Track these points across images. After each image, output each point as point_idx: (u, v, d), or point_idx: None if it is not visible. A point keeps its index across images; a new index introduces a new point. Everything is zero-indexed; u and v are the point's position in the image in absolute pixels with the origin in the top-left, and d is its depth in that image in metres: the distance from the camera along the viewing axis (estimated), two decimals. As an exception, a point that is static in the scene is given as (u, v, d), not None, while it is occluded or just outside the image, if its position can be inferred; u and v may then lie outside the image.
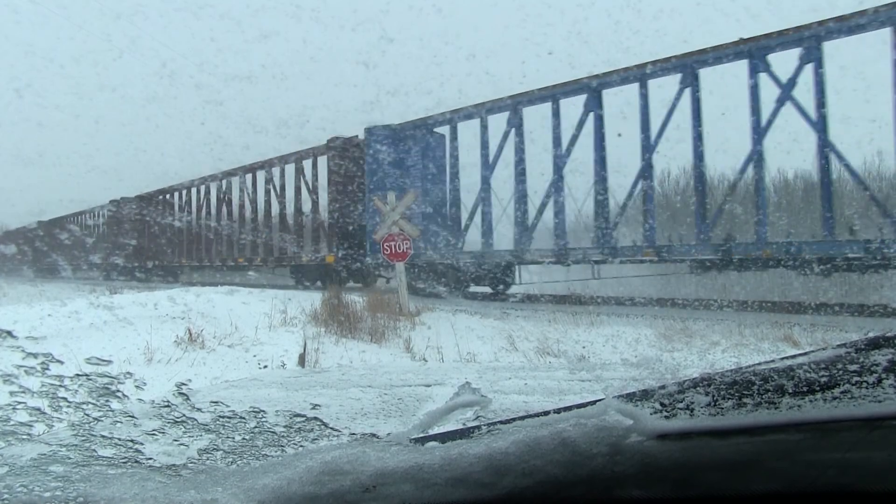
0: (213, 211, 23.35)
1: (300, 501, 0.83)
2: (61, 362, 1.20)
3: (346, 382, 2.06)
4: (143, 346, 5.45)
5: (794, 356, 0.93)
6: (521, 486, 0.79)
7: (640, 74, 12.06)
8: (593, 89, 12.69)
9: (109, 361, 1.28)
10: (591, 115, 12.72)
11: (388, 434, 1.06)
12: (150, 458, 1.08)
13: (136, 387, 1.32)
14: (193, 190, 24.49)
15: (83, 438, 1.13)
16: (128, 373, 1.31)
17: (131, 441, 1.11)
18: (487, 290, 15.14)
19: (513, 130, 13.99)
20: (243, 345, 6.19)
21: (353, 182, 17.26)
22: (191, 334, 6.05)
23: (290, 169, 19.53)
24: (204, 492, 0.88)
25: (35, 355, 1.19)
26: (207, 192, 23.70)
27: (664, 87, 11.96)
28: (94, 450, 1.10)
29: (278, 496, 0.84)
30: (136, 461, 1.06)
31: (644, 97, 12.03)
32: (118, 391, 1.23)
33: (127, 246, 27.29)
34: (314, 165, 18.60)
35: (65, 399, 1.18)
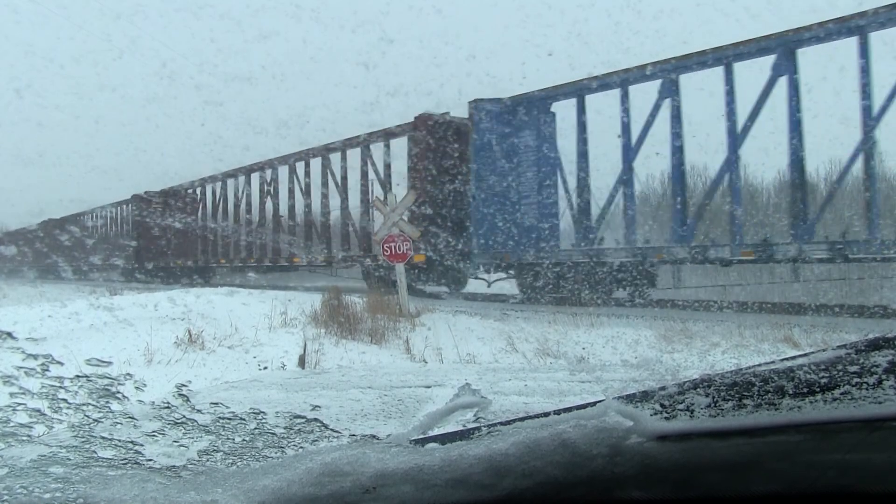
0: (256, 204, 20.70)
1: (300, 503, 0.83)
2: (61, 363, 1.19)
3: (346, 384, 2.06)
4: (143, 348, 5.45)
5: (793, 357, 0.93)
6: (521, 488, 0.79)
7: (858, 26, 9.48)
8: (786, 49, 10.23)
9: (109, 363, 1.28)
10: (783, 79, 10.26)
11: (388, 435, 1.06)
12: (150, 460, 1.08)
13: (136, 388, 1.32)
14: (229, 182, 21.93)
15: (83, 440, 1.13)
16: (128, 374, 1.31)
17: (131, 442, 1.11)
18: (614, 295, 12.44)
19: (666, 101, 11.48)
20: (243, 346, 6.19)
21: (446, 165, 14.44)
22: (191, 335, 6.05)
23: (353, 154, 16.87)
24: (204, 493, 0.88)
25: (35, 357, 1.19)
26: (247, 184, 21.18)
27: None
28: (94, 451, 1.10)
29: (278, 497, 0.84)
30: (136, 462, 1.07)
31: (864, 54, 9.47)
32: (118, 392, 1.23)
33: (150, 244, 25.06)
34: (387, 148, 15.98)
35: (65, 400, 1.18)
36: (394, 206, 10.55)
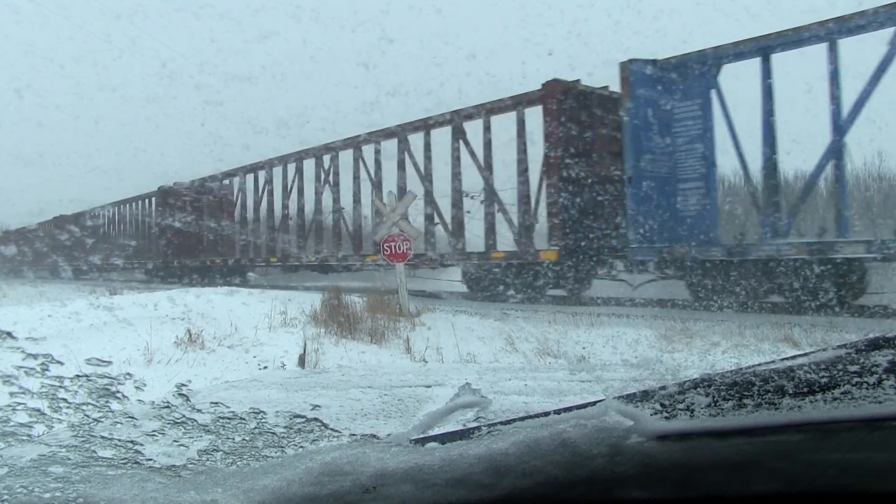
0: (310, 195, 18.13)
1: (300, 502, 0.83)
2: (61, 363, 1.20)
3: (346, 383, 2.06)
4: (143, 347, 5.45)
5: (794, 357, 0.93)
6: (521, 487, 0.79)
7: None
8: None
9: (109, 362, 1.28)
10: None
11: (388, 435, 1.06)
12: (150, 459, 1.08)
13: (136, 388, 1.32)
14: (275, 170, 19.39)
15: (83, 439, 1.13)
16: (128, 373, 1.31)
17: (131, 442, 1.11)
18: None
19: None
20: (243, 345, 6.19)
21: (587, 142, 12.30)
22: (190, 335, 6.05)
23: (441, 134, 14.15)
24: (204, 493, 0.88)
25: (35, 356, 1.19)
26: (298, 172, 18.44)
27: None
28: (94, 451, 1.10)
29: (278, 497, 0.84)
30: (136, 462, 1.07)
31: None
32: (118, 392, 1.23)
33: (178, 242, 22.83)
34: (487, 127, 13.23)
35: (65, 400, 1.18)
36: (393, 206, 10.56)
